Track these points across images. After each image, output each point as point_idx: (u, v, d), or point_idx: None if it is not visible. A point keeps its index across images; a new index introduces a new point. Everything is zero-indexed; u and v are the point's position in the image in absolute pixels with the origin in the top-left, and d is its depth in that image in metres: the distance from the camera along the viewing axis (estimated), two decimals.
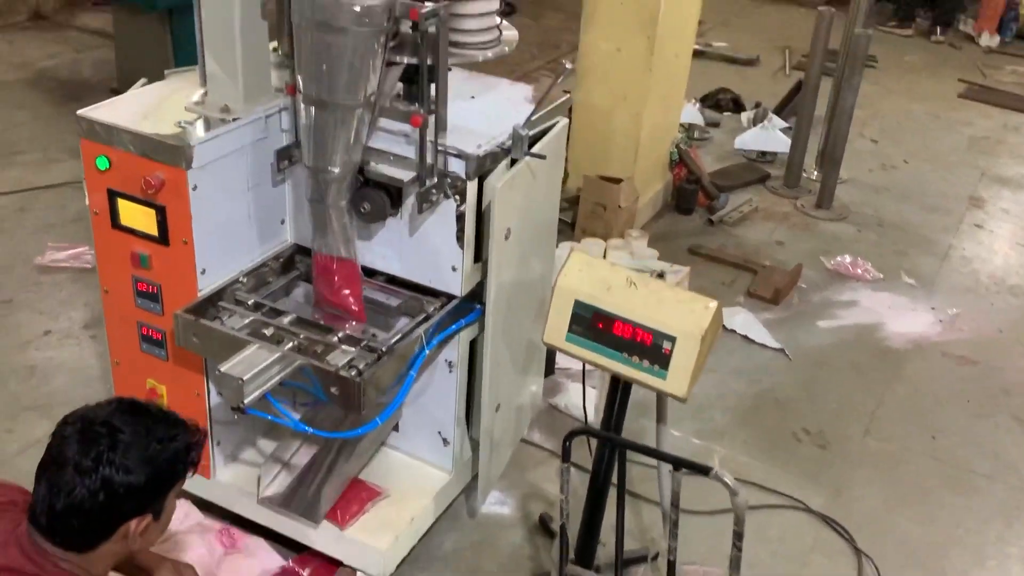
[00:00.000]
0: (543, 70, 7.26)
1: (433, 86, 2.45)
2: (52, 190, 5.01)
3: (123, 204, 2.60)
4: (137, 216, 2.59)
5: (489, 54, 2.65)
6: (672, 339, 2.21)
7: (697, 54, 7.36)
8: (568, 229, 4.93)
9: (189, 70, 2.80)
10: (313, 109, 2.42)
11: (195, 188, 2.50)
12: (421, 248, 2.71)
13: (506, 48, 2.72)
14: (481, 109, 2.82)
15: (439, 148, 2.53)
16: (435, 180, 2.55)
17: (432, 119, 2.48)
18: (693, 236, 5.12)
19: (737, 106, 6.71)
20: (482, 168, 2.60)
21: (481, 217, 2.66)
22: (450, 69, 2.64)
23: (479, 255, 2.73)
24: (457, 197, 2.59)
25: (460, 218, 2.62)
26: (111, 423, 1.86)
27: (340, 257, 2.58)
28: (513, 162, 2.67)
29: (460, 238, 2.64)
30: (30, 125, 5.73)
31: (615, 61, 4.74)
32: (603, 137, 4.90)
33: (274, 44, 2.83)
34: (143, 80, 2.93)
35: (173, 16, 5.52)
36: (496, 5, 2.64)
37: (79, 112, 2.57)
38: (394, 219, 2.68)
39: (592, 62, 4.81)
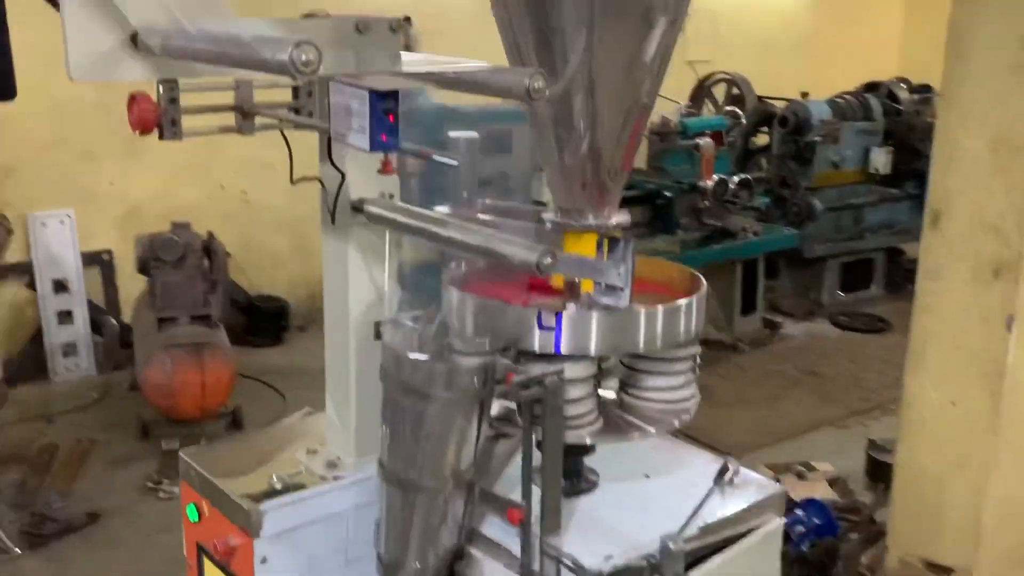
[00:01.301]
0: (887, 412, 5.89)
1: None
2: None
3: (208, 565, 2.24)
4: None
5: (634, 434, 1.98)
6: None
7: None
8: None
9: None
10: (386, 487, 1.90)
11: (264, 561, 2.07)
12: None
13: (676, 422, 2.02)
14: (647, 496, 2.10)
15: (550, 553, 1.86)
16: None
17: (537, 513, 1.84)
18: None
19: None
20: None
21: None
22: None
23: None
24: None
25: None
26: None
27: None
28: None
29: None
30: None
31: (948, 416, 3.72)
32: (933, 511, 3.80)
33: None
34: (307, 408, 2.65)
35: None
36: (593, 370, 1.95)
37: (181, 452, 2.29)
38: None
39: (918, 413, 3.82)
